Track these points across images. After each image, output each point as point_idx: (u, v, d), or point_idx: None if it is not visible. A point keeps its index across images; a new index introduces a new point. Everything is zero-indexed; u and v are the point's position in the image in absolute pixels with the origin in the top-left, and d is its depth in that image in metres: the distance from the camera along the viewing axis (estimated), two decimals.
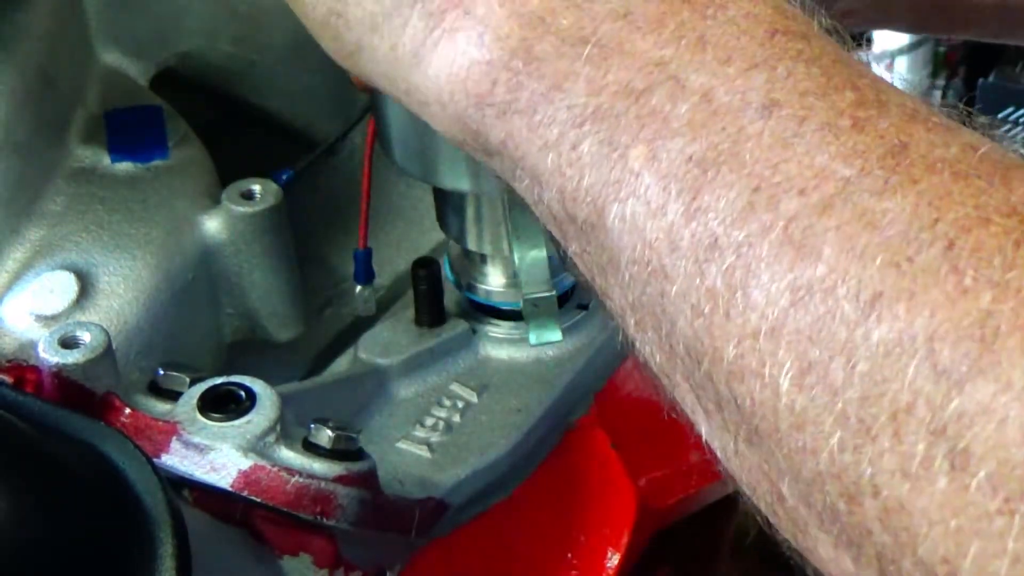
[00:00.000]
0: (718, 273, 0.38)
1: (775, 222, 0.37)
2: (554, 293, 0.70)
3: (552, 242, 0.46)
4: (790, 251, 0.36)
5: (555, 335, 0.73)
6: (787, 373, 0.36)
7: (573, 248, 0.45)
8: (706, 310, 0.38)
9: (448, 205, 0.73)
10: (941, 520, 0.33)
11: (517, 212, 0.66)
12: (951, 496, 0.33)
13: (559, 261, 0.68)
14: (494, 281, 0.76)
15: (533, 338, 0.73)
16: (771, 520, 0.41)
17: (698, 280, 0.38)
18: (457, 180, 0.67)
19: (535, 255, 0.68)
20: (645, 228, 0.40)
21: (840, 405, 0.35)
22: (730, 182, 0.38)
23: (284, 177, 0.81)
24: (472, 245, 0.74)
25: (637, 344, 0.43)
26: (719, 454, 0.42)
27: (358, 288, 0.82)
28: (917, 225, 0.35)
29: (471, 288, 0.77)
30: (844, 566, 0.37)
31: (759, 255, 0.37)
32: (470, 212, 0.72)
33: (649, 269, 0.40)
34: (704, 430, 0.42)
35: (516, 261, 0.68)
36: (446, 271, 0.78)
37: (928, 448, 0.33)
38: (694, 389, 0.41)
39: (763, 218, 0.37)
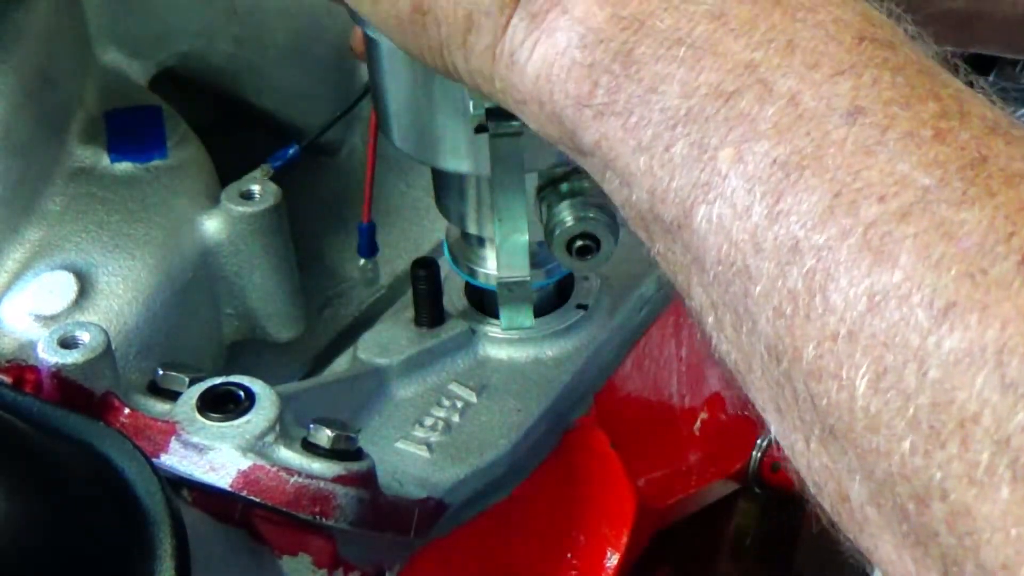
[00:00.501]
0: (799, 276, 0.39)
1: (855, 227, 0.38)
2: (528, 278, 0.70)
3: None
4: (868, 256, 0.37)
5: (527, 321, 0.72)
6: (863, 376, 0.37)
7: (658, 247, 0.45)
8: (787, 311, 0.39)
9: (447, 188, 0.73)
10: (1003, 528, 0.34)
11: (501, 195, 0.65)
12: (1012, 506, 0.34)
13: (544, 249, 0.68)
14: (494, 265, 0.76)
15: (505, 322, 0.73)
16: (834, 519, 0.41)
17: (780, 282, 0.39)
18: (456, 161, 0.67)
19: (516, 239, 0.67)
20: (731, 229, 0.41)
21: (912, 410, 0.36)
22: (812, 186, 0.39)
23: (290, 152, 0.80)
24: (472, 228, 0.73)
25: (714, 341, 0.44)
26: (788, 451, 0.42)
27: (361, 261, 0.81)
28: (993, 238, 0.36)
29: (471, 273, 0.76)
30: (906, 567, 0.38)
31: (838, 259, 0.38)
32: (469, 194, 0.72)
33: (734, 269, 0.41)
34: (775, 428, 0.43)
35: (496, 243, 0.68)
36: (445, 255, 0.77)
37: (992, 457, 0.34)
38: (771, 387, 0.41)
39: (843, 223, 0.38)
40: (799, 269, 0.39)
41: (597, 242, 0.66)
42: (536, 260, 0.73)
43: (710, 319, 0.44)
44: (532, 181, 0.68)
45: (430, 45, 0.50)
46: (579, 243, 0.66)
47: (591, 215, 0.66)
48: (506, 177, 0.64)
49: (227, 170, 0.80)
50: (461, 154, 0.66)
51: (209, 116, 0.90)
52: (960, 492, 0.35)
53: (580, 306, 0.79)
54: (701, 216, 0.42)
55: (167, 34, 0.86)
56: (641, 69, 0.43)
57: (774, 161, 0.40)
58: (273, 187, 0.77)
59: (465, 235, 0.76)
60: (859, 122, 0.39)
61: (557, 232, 0.66)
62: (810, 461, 0.41)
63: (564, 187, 0.67)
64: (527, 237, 0.67)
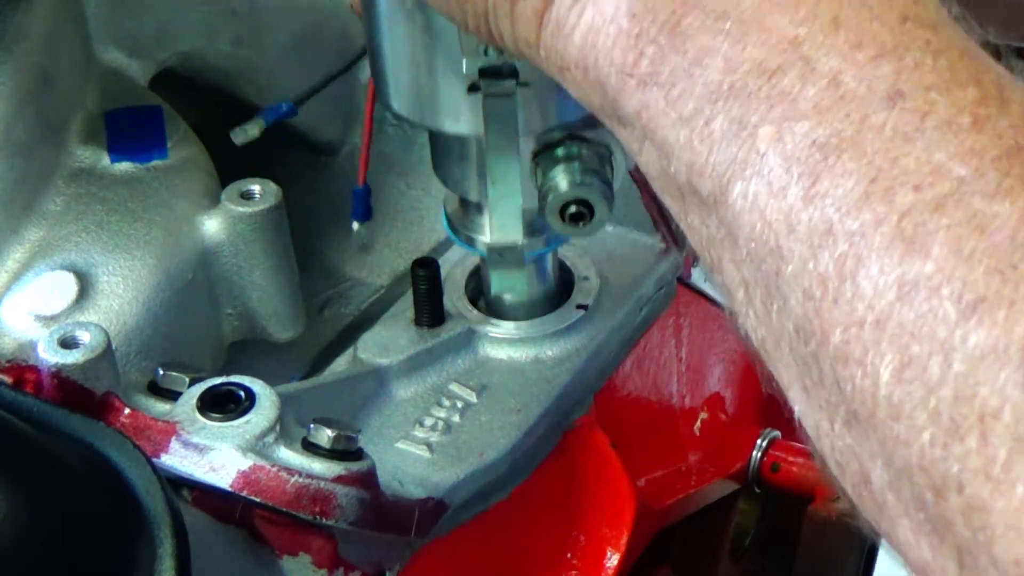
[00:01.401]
0: (830, 259, 0.39)
1: (889, 215, 0.38)
2: (518, 241, 0.69)
3: (658, 209, 0.47)
4: (901, 245, 0.38)
5: (519, 285, 0.72)
6: (888, 365, 0.37)
7: (691, 220, 0.46)
8: (817, 294, 0.39)
9: (446, 153, 0.72)
10: (1016, 525, 0.34)
11: (494, 156, 0.65)
12: None
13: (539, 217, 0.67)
14: None
15: (495, 286, 0.72)
16: (854, 500, 0.42)
17: (811, 264, 0.39)
18: (454, 123, 0.66)
19: (509, 202, 0.66)
20: (766, 208, 0.41)
21: (934, 402, 0.36)
22: (849, 170, 0.39)
23: (284, 108, 0.79)
24: (471, 195, 0.72)
25: (740, 317, 0.45)
26: (811, 431, 0.43)
27: (355, 225, 0.81)
28: None
29: (469, 241, 0.75)
30: (922, 553, 0.38)
31: (871, 246, 0.38)
32: (469, 159, 0.70)
33: (767, 248, 0.41)
34: (799, 407, 0.43)
35: (489, 206, 0.67)
36: (443, 224, 0.76)
37: (1010, 454, 0.34)
38: (797, 365, 0.42)
39: (878, 210, 0.38)
40: (831, 253, 0.39)
41: (591, 208, 0.65)
42: (534, 227, 0.72)
43: (740, 295, 0.44)
44: (528, 146, 0.67)
45: (475, 12, 0.51)
46: (573, 209, 0.65)
47: (586, 181, 0.65)
48: (499, 138, 0.63)
49: (227, 170, 0.80)
50: (460, 116, 0.65)
51: (209, 116, 0.90)
52: (976, 486, 0.35)
53: (580, 306, 0.79)
54: (737, 192, 0.42)
55: (167, 34, 0.86)
56: (687, 41, 0.44)
57: (813, 142, 0.40)
58: (273, 187, 0.77)
59: (464, 203, 0.74)
60: (899, 107, 0.39)
61: (551, 197, 0.65)
62: (833, 442, 0.41)
63: (559, 152, 0.66)
64: (520, 200, 0.66)
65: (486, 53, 0.60)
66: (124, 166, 0.77)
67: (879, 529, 0.41)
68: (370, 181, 0.89)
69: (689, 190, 0.45)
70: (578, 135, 0.66)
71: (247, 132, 0.77)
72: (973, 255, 0.36)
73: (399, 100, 0.67)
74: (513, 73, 0.61)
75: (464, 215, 0.75)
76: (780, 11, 0.42)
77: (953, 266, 0.36)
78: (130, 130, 0.79)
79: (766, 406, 1.05)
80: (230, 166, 0.80)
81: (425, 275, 0.77)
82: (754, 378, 1.04)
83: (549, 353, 0.77)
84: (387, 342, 0.76)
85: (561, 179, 0.65)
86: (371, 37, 0.66)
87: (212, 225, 0.75)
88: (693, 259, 0.92)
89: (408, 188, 0.94)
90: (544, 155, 0.67)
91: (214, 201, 0.76)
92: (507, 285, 0.72)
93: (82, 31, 0.81)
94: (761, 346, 0.44)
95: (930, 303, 0.36)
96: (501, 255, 0.70)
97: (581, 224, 0.65)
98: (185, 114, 0.82)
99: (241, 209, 0.75)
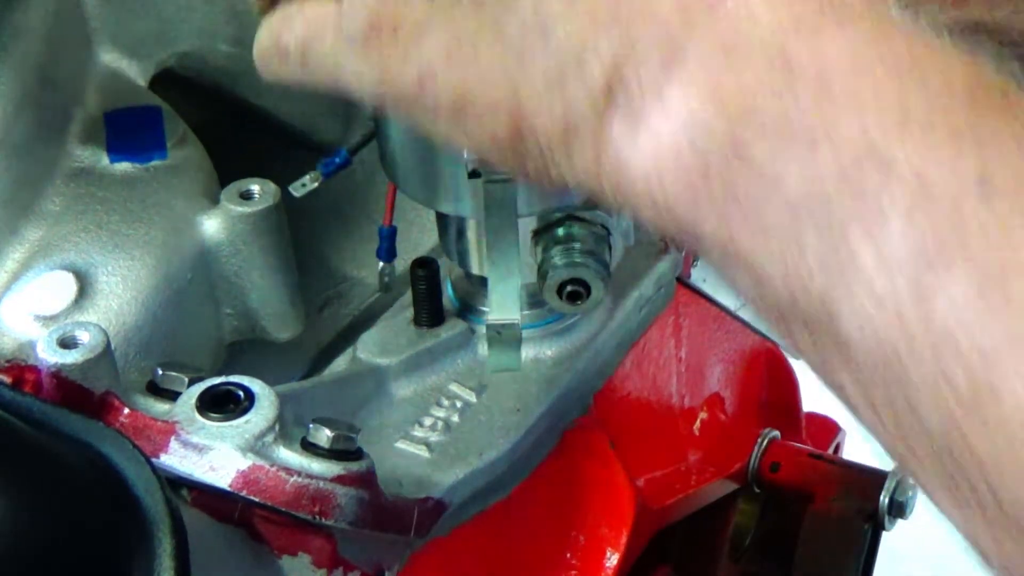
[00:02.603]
0: (962, 374, 0.37)
1: (1013, 316, 0.36)
2: (518, 321, 0.69)
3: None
4: None
5: (514, 363, 0.72)
6: None
7: (799, 340, 0.43)
8: (956, 413, 0.37)
9: (451, 229, 0.74)
10: None
11: (494, 239, 0.66)
12: None
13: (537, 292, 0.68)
14: None
15: (491, 364, 0.72)
16: None
17: (941, 381, 0.38)
18: (459, 206, 0.69)
19: (508, 283, 0.68)
20: (878, 324, 0.39)
21: None
22: (958, 275, 0.37)
23: (337, 160, 0.78)
24: (475, 269, 0.74)
25: (868, 429, 0.42)
26: (967, 540, 0.40)
27: (380, 264, 0.81)
28: None
29: (475, 312, 0.77)
30: None
31: (1000, 355, 0.36)
32: (471, 236, 0.73)
33: (888, 369, 0.39)
34: (948, 515, 0.41)
35: (489, 287, 0.68)
36: (450, 295, 0.78)
37: None
38: (942, 477, 0.39)
39: (999, 313, 0.37)
40: (962, 367, 0.37)
41: (587, 288, 0.67)
42: (536, 300, 0.74)
43: (867, 413, 0.42)
44: (529, 225, 0.69)
45: (534, 161, 0.48)
46: (569, 288, 0.67)
47: (583, 262, 0.67)
48: (499, 222, 0.65)
49: (227, 170, 0.80)
50: (461, 199, 0.68)
51: (209, 116, 0.90)
52: None
53: None
54: (844, 310, 0.40)
55: (167, 34, 0.86)
56: (755, 159, 0.41)
57: (912, 249, 0.38)
58: (273, 187, 0.77)
59: (468, 276, 0.77)
60: (992, 197, 0.38)
61: (549, 276, 0.67)
62: (1000, 556, 0.39)
63: (559, 232, 0.68)
64: (519, 281, 0.68)
65: None
66: (123, 166, 0.77)
67: None
68: (370, 180, 0.89)
69: (791, 313, 0.42)
70: (577, 216, 0.68)
71: (306, 185, 0.76)
72: None
73: (406, 183, 0.70)
74: None
75: (470, 287, 0.77)
76: (845, 111, 0.40)
77: None
78: (130, 130, 0.79)
79: (766, 406, 1.05)
80: (230, 166, 0.80)
81: (425, 275, 0.77)
82: (754, 378, 1.04)
83: (549, 353, 0.77)
84: (387, 342, 0.76)
85: (559, 259, 0.68)
86: (379, 126, 0.69)
87: (211, 225, 0.75)
88: (693, 259, 0.92)
89: None
90: (544, 234, 0.69)
91: (214, 201, 0.76)
92: (502, 364, 0.72)
93: (82, 31, 0.81)
94: (893, 452, 0.42)
95: None
96: (499, 333, 0.71)
97: (578, 303, 0.67)
98: (185, 114, 0.83)
99: (240, 209, 0.75)
